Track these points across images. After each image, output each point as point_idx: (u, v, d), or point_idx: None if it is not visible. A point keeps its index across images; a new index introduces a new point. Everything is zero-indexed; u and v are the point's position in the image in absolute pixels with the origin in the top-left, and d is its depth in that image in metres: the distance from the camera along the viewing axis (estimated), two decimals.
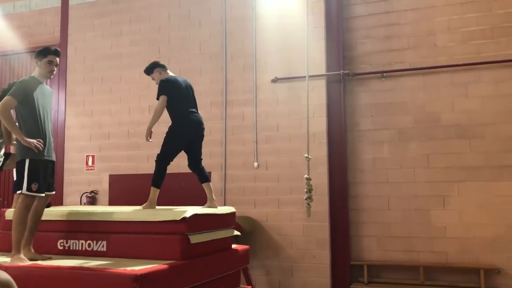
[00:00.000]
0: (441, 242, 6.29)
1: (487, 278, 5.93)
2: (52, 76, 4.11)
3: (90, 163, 7.95)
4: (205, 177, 4.48)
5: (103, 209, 4.20)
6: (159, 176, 4.33)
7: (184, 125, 4.47)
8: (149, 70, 4.84)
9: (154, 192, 4.21)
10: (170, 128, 4.53)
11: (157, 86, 4.65)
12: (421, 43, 6.65)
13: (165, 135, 4.55)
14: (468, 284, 6.06)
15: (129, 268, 3.06)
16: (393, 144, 6.64)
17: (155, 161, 4.45)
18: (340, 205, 6.68)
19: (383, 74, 6.68)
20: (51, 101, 4.13)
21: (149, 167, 7.57)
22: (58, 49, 4.15)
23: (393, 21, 6.79)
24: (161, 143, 4.56)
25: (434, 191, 6.38)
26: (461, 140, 6.34)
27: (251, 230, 6.63)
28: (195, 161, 4.58)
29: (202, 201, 4.29)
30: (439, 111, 6.48)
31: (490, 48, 6.34)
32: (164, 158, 4.38)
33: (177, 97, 4.49)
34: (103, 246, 3.74)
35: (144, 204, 4.11)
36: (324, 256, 6.55)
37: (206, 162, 7.23)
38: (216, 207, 4.16)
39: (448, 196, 6.33)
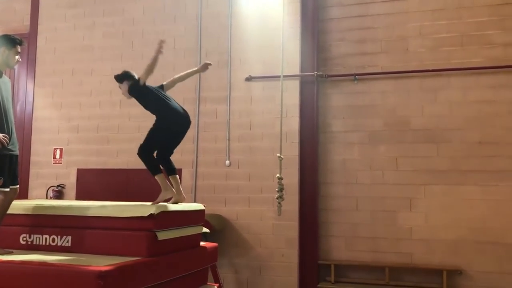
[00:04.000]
0: (406, 243, 6.42)
1: (449, 279, 6.08)
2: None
3: (57, 156, 7.77)
4: (172, 169, 4.40)
5: (69, 204, 4.11)
6: (152, 164, 4.26)
7: (173, 117, 4.41)
8: (120, 79, 4.57)
9: (161, 178, 4.15)
10: (158, 120, 4.44)
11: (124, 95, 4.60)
12: (393, 48, 6.76)
13: (152, 127, 4.46)
14: (431, 285, 6.20)
15: (94, 264, 3.00)
16: (363, 146, 6.73)
17: (138, 154, 4.33)
18: (310, 205, 6.73)
19: (356, 76, 6.77)
20: (11, 91, 3.98)
21: (119, 162, 7.50)
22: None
23: (367, 25, 6.88)
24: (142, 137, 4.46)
25: (402, 193, 6.51)
26: (429, 144, 6.48)
27: (220, 228, 6.61)
28: (168, 153, 4.49)
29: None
30: (409, 115, 6.60)
31: (459, 55, 6.50)
32: (148, 150, 4.30)
33: (157, 94, 4.43)
34: (67, 242, 3.66)
35: (159, 196, 4.05)
36: (292, 255, 6.59)
37: (177, 158, 7.15)
38: (184, 199, 4.11)
39: (415, 198, 6.46)
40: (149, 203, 3.71)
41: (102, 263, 3.01)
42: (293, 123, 6.74)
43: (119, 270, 2.97)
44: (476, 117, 6.37)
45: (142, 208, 3.44)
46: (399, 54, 6.74)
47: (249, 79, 7.01)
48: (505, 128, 6.25)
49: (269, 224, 6.72)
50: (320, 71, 6.87)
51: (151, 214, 3.33)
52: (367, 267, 6.51)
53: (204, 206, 4.21)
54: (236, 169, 6.95)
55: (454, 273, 6.16)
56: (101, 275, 2.85)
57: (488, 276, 6.04)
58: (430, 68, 6.54)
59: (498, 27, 6.40)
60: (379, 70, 6.76)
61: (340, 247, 6.69)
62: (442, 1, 6.62)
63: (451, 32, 6.56)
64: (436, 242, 6.31)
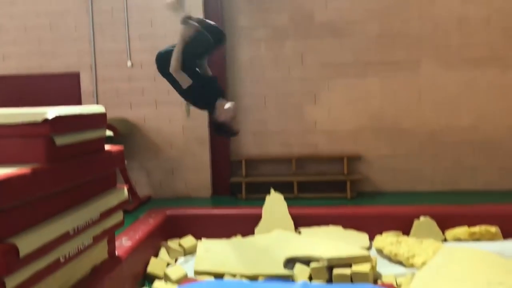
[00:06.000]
0: (311, 135, 6.75)
1: (349, 165, 6.59)
2: None
3: None
4: None
5: None
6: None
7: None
8: None
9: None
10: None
11: None
12: None
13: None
14: (333, 171, 6.69)
15: None
16: (269, 42, 6.68)
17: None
18: None
19: None
20: None
21: (6, 67, 6.78)
22: None
23: None
24: None
25: (307, 88, 6.69)
26: (333, 38, 6.59)
27: (127, 132, 6.43)
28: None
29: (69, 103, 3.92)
30: (313, 9, 6.57)
31: None
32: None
33: None
34: None
35: None
36: (204, 154, 6.67)
37: (73, 62, 6.68)
38: None
39: (319, 92, 6.69)
40: (44, 108, 3.41)
41: None
42: None
43: (16, 179, 2.78)
44: (377, 8, 6.51)
45: (35, 113, 3.17)
46: None
47: None
48: (403, 21, 6.49)
49: (179, 126, 6.65)
50: None
51: (45, 119, 3.09)
52: (276, 160, 6.82)
53: (105, 108, 3.99)
54: (139, 70, 6.62)
55: (354, 159, 6.67)
56: None
57: (383, 160, 6.62)
58: None
59: None
60: None
61: (250, 143, 6.88)
62: None
63: None
64: (338, 132, 6.71)
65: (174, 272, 4.28)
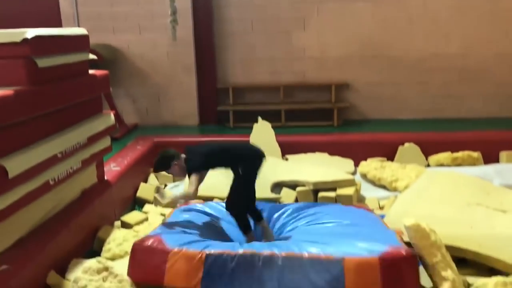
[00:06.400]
0: (300, 62, 6.66)
1: (337, 93, 6.57)
2: None
3: None
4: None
5: None
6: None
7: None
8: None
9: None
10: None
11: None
12: None
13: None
14: (321, 99, 6.68)
15: None
16: None
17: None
18: (205, 30, 6.53)
19: None
20: None
21: None
22: None
23: None
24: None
25: (296, 13, 6.50)
26: None
27: (111, 58, 6.26)
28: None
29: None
30: None
31: None
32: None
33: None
34: None
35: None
36: (190, 81, 6.58)
37: None
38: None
39: (308, 17, 6.51)
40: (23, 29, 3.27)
41: None
42: None
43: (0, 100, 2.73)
44: None
45: (12, 33, 3.04)
46: None
47: None
48: None
49: (164, 52, 6.49)
50: None
51: (25, 39, 2.97)
52: (264, 88, 6.76)
53: (87, 31, 3.84)
54: None
55: (342, 87, 6.65)
56: None
57: (370, 87, 6.61)
58: None
59: None
60: None
61: (238, 71, 6.77)
62: None
63: None
64: (327, 59, 6.61)
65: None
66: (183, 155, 3.23)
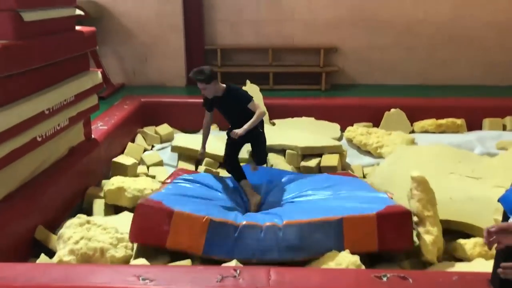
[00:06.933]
0: (289, 25, 6.58)
1: (326, 57, 6.54)
2: None
3: None
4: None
5: None
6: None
7: None
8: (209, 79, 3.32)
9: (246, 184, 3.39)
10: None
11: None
12: None
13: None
14: (309, 63, 6.65)
15: None
16: None
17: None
18: None
19: None
20: None
21: None
22: None
23: None
24: None
25: None
26: None
27: (97, 15, 6.11)
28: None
29: None
30: None
31: None
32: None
33: None
34: None
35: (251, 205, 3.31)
36: (178, 41, 6.48)
37: None
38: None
39: None
40: None
41: None
42: None
43: None
44: None
45: None
46: None
47: None
48: None
49: (151, 11, 6.34)
50: None
51: None
52: (252, 50, 6.69)
53: None
54: None
55: (330, 51, 6.62)
56: None
57: (359, 51, 6.60)
58: None
59: None
60: None
61: (226, 32, 6.68)
62: None
63: None
64: (316, 22, 6.55)
65: (150, 157, 4.38)
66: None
